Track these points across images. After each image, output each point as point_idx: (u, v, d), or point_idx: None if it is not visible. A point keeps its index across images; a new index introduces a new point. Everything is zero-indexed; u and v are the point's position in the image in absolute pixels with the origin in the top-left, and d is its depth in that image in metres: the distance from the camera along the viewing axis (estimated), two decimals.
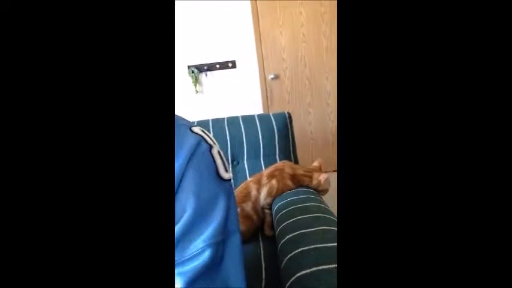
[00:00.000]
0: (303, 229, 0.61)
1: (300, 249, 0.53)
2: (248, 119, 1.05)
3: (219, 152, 0.39)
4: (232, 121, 1.06)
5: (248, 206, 0.86)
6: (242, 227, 0.83)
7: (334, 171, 2.46)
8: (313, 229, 0.59)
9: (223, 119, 1.07)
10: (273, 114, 1.06)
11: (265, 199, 0.86)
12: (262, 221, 0.88)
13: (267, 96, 2.48)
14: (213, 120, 1.07)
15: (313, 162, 0.98)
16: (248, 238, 0.85)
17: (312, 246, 0.53)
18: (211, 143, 0.39)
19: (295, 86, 2.49)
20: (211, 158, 0.38)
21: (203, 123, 1.05)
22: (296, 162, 1.05)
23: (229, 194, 0.40)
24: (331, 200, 1.79)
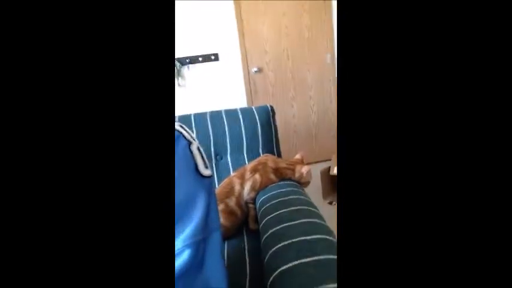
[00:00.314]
0: (285, 222, 0.61)
1: (282, 244, 0.54)
2: (231, 113, 1.04)
3: (198, 148, 0.39)
4: (215, 115, 1.04)
5: (232, 202, 0.85)
6: (227, 223, 0.83)
7: (316, 162, 2.50)
8: (294, 222, 0.60)
9: (206, 113, 1.05)
10: (256, 108, 1.05)
11: (248, 194, 0.86)
12: (246, 215, 0.88)
13: (250, 90, 2.46)
14: (195, 114, 1.05)
15: (296, 154, 0.99)
16: (232, 233, 0.85)
17: (294, 240, 0.53)
18: (190, 139, 0.38)
19: (279, 79, 2.48)
20: (190, 155, 0.37)
21: (185, 118, 1.03)
22: (279, 155, 1.05)
23: (210, 191, 0.39)
24: (316, 191, 1.81)
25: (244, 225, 0.89)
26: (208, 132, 1.00)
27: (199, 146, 0.40)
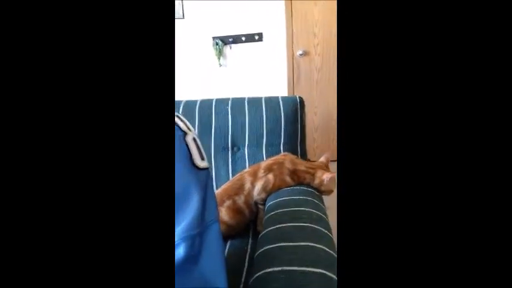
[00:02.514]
0: (282, 241, 0.52)
1: (271, 269, 0.45)
2: (254, 102, 0.95)
3: (194, 139, 0.38)
4: (237, 103, 0.96)
5: (240, 200, 0.78)
6: (232, 221, 0.77)
7: None
8: (293, 244, 0.51)
9: (228, 99, 0.98)
10: (283, 98, 0.94)
11: (259, 194, 0.78)
12: (255, 215, 0.81)
13: (293, 74, 2.30)
14: (216, 100, 0.98)
15: (327, 151, 0.87)
16: (238, 233, 0.79)
17: (285, 268, 0.45)
18: (186, 129, 0.38)
19: (326, 64, 2.26)
20: (185, 146, 0.36)
21: (205, 104, 0.97)
22: (303, 155, 0.94)
23: (206, 184, 0.38)
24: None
25: (251, 226, 0.82)
26: (227, 121, 0.93)
27: (195, 136, 0.39)
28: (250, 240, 0.77)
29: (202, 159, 0.39)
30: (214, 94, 2.32)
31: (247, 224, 0.81)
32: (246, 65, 2.31)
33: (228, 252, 0.74)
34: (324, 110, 2.36)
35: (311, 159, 1.03)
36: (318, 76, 2.30)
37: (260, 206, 0.79)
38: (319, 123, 2.38)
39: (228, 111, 0.94)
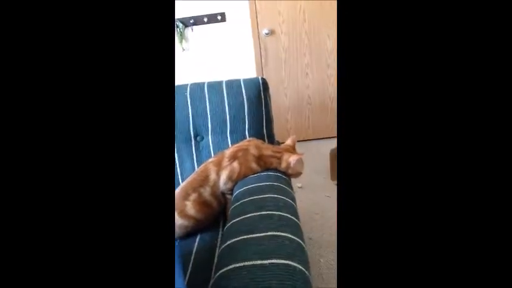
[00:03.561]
0: (245, 234, 0.49)
1: (232, 266, 0.42)
2: (214, 86, 0.89)
3: None
4: (196, 89, 0.90)
5: (206, 192, 0.75)
6: (199, 215, 0.74)
7: (330, 137, 2.31)
8: (255, 235, 0.48)
9: (186, 85, 0.91)
10: (244, 81, 0.89)
11: (225, 184, 0.74)
12: (223, 206, 0.78)
13: (260, 54, 2.23)
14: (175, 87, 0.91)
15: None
16: (207, 226, 0.76)
17: (246, 264, 0.42)
18: None
19: (293, 43, 2.21)
20: None
21: None
22: (270, 139, 0.90)
23: None
24: (324, 171, 1.68)
25: (221, 217, 0.79)
26: (187, 109, 0.87)
27: None
28: (220, 233, 0.74)
29: None
30: (180, 80, 2.20)
31: (217, 216, 0.78)
32: (211, 48, 2.20)
33: (197, 247, 0.70)
34: (294, 90, 2.33)
35: (280, 142, 1.00)
36: (286, 55, 2.25)
37: (228, 196, 0.76)
38: (291, 104, 2.36)
39: (187, 98, 0.88)
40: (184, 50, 2.18)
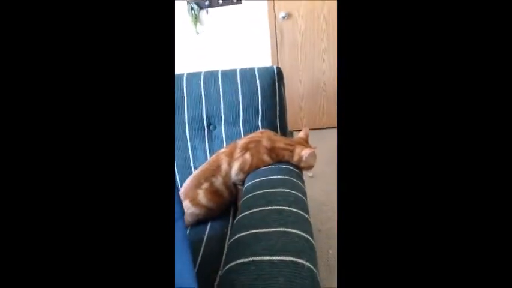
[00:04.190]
0: (255, 228, 0.50)
1: (241, 260, 0.43)
2: (228, 75, 0.88)
3: None
4: (210, 77, 0.89)
5: (218, 181, 0.75)
6: (211, 204, 0.75)
7: None
8: (266, 230, 0.49)
9: (200, 73, 0.90)
10: (259, 70, 0.87)
11: (236, 175, 0.75)
12: (235, 196, 0.79)
13: (276, 38, 2.16)
14: (188, 75, 0.90)
15: (305, 126, 0.83)
16: (218, 215, 0.78)
17: (255, 259, 0.43)
18: None
19: (310, 28, 2.13)
20: None
21: (176, 79, 0.90)
22: (283, 130, 0.89)
23: None
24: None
25: (232, 207, 0.80)
26: (201, 97, 0.87)
27: None
28: (230, 222, 0.76)
29: None
30: (193, 65, 2.19)
31: (228, 206, 0.79)
32: (226, 31, 2.15)
33: (207, 236, 0.72)
34: (309, 77, 2.27)
35: (292, 131, 0.99)
36: (302, 40, 2.18)
37: (239, 187, 0.77)
38: (305, 92, 2.31)
39: (200, 86, 0.87)
40: (198, 33, 2.15)
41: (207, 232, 0.73)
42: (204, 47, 2.18)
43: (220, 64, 2.12)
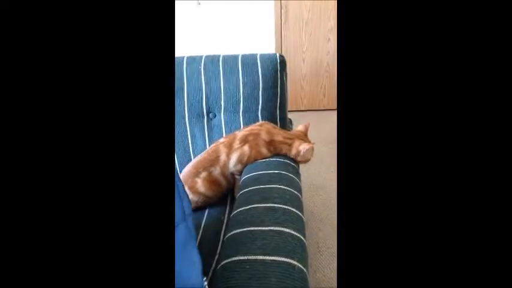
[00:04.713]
0: (251, 225, 0.52)
1: (236, 258, 0.46)
2: (229, 61, 0.86)
3: None
4: (211, 62, 0.86)
5: (216, 171, 0.77)
6: (208, 192, 0.78)
7: None
8: (260, 228, 0.51)
9: (201, 57, 0.88)
10: (261, 57, 0.85)
11: (234, 166, 0.76)
12: (232, 184, 0.81)
13: (281, 14, 2.07)
14: (188, 58, 0.88)
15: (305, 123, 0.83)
16: (215, 202, 0.80)
17: (250, 257, 0.45)
18: None
19: (317, 4, 2.02)
20: None
21: (175, 62, 0.87)
22: (283, 121, 0.89)
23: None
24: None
25: (229, 194, 0.83)
26: (201, 85, 0.85)
27: None
28: (227, 209, 0.79)
29: None
30: (193, 38, 2.10)
31: (225, 194, 0.82)
32: (228, 5, 2.05)
33: (205, 222, 0.75)
34: (313, 57, 2.21)
35: (292, 123, 0.99)
36: (308, 17, 2.09)
37: (237, 177, 0.79)
38: (308, 70, 2.26)
39: (201, 73, 0.85)
40: (200, 3, 2.04)
41: (204, 219, 0.76)
42: (205, 20, 2.09)
43: (221, 39, 2.04)
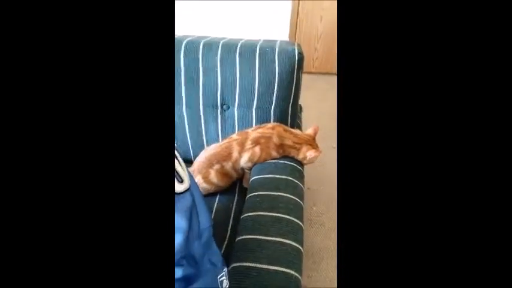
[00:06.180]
0: (259, 234, 0.62)
1: (246, 264, 0.57)
2: (246, 53, 0.84)
3: None
4: (228, 49, 0.84)
5: (228, 165, 0.85)
6: (220, 183, 0.87)
7: None
8: (267, 238, 0.61)
9: (218, 44, 0.85)
10: (279, 52, 0.83)
11: (245, 163, 0.84)
12: (241, 176, 0.90)
13: None
14: (205, 42, 0.86)
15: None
16: (225, 190, 0.90)
17: (257, 266, 0.57)
18: None
19: None
20: None
21: (191, 45, 0.86)
22: (293, 117, 0.92)
23: (189, 209, 0.36)
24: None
25: (238, 183, 0.92)
26: (216, 75, 0.86)
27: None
28: (236, 198, 0.89)
29: (181, 181, 0.36)
30: (208, 12, 1.90)
31: (235, 183, 0.91)
32: None
33: (216, 208, 0.86)
34: (332, 14, 2.04)
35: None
36: None
37: (246, 171, 0.87)
38: (324, 30, 2.12)
39: (217, 65, 0.85)
40: None
41: (215, 204, 0.87)
42: None
43: (236, 8, 1.86)
